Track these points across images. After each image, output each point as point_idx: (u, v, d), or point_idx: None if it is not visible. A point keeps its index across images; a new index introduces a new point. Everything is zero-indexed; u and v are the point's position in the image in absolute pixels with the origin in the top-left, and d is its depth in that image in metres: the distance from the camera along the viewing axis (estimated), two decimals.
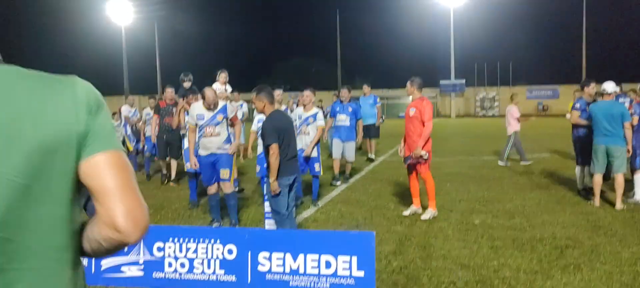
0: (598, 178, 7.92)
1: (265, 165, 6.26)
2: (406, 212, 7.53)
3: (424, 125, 7.21)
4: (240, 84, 9.94)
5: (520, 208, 7.97)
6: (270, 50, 73.25)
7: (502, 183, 10.33)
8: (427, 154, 7.29)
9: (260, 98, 5.55)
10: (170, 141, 10.63)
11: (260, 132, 5.89)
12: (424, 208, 7.53)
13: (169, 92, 10.67)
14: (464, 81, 54.13)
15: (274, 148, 5.30)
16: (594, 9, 51.33)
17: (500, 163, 12.83)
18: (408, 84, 7.48)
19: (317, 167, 8.41)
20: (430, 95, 53.34)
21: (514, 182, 10.38)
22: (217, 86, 9.60)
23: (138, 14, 51.48)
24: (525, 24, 68.49)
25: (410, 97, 7.59)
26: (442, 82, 54.85)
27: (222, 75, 9.96)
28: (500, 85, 56.66)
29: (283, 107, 8.73)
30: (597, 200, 7.94)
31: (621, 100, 9.71)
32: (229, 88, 10.25)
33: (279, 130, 5.38)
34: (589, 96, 8.80)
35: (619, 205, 7.67)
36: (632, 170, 8.32)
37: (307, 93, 8.60)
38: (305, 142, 8.34)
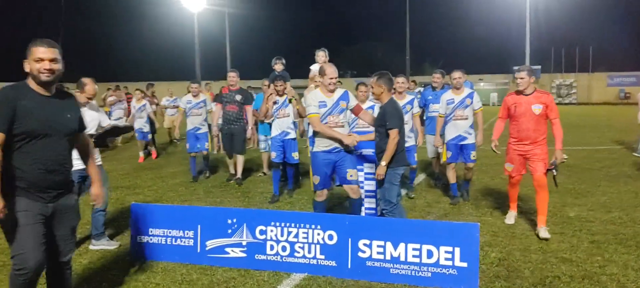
0: None
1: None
2: (509, 220, 6.56)
3: (553, 124, 6.12)
4: (305, 69, 8.30)
5: (617, 201, 7.61)
6: (336, 35, 73.15)
7: (592, 174, 9.89)
8: (567, 157, 6.41)
9: (380, 84, 5.48)
10: (235, 133, 9.42)
11: (377, 118, 5.63)
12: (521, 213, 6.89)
13: (232, 76, 9.41)
14: (539, 67, 51.89)
15: (396, 133, 5.30)
16: None
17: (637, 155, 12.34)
18: (524, 74, 6.10)
19: (415, 157, 7.90)
20: (503, 81, 51.71)
21: (605, 174, 9.91)
22: (316, 68, 8.30)
23: (209, 1, 52.89)
24: (607, 6, 64.83)
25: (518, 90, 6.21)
26: (515, 68, 52.86)
27: (321, 54, 8.30)
28: (579, 72, 54.07)
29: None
30: None
31: None
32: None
33: (401, 118, 5.42)
34: None
35: None
36: None
37: (402, 80, 7.75)
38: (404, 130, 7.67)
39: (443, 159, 7.85)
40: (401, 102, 7.56)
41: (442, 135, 7.85)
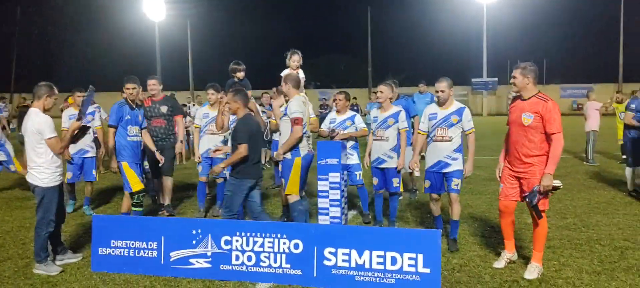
0: None
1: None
2: (499, 264, 5.26)
3: (549, 139, 4.84)
4: (268, 81, 7.37)
5: (571, 208, 7.90)
6: (300, 47, 73.22)
7: None
8: (561, 184, 5.05)
9: (236, 99, 5.70)
10: (163, 152, 7.39)
11: (231, 132, 6.02)
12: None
13: (152, 84, 7.73)
14: (496, 79, 53.40)
15: (244, 148, 5.51)
16: (632, 6, 49.96)
17: (588, 163, 12.85)
18: (517, 73, 4.90)
19: (358, 175, 7.24)
20: (461, 93, 52.83)
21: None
22: (286, 73, 7.13)
23: (171, 10, 52.45)
24: (560, 21, 67.48)
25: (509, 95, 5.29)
26: (473, 80, 54.27)
27: (295, 58, 7.00)
28: None
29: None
30: None
31: None
32: (301, 75, 6.98)
33: (250, 134, 5.61)
34: None
35: None
36: None
37: (383, 88, 6.70)
38: (383, 149, 6.69)
39: (422, 190, 6.77)
40: (385, 115, 6.65)
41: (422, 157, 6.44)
